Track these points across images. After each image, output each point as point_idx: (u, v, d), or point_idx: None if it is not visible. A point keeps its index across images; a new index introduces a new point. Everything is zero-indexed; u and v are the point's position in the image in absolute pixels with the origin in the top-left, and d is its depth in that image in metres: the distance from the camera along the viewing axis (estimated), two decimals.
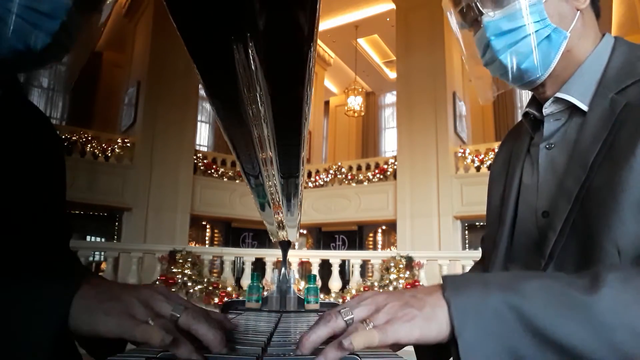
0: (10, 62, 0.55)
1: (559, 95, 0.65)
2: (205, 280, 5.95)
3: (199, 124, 10.53)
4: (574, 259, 0.57)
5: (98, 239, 8.69)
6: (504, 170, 0.76)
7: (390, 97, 15.03)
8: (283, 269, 1.39)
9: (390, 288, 5.68)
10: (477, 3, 0.64)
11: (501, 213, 0.73)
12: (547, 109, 0.67)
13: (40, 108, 0.71)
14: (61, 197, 0.73)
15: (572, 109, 0.65)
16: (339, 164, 10.48)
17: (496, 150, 0.84)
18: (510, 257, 0.71)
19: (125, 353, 0.48)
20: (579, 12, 0.64)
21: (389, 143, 14.64)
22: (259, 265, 6.50)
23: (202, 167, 9.37)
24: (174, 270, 5.84)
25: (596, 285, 0.41)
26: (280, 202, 0.97)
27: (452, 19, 0.72)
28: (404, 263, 5.85)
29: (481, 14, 0.64)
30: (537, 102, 0.71)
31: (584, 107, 0.62)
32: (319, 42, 3.01)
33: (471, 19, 0.68)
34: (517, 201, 0.70)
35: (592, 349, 0.39)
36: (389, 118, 15.19)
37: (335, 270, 6.07)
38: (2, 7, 0.51)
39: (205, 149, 11.14)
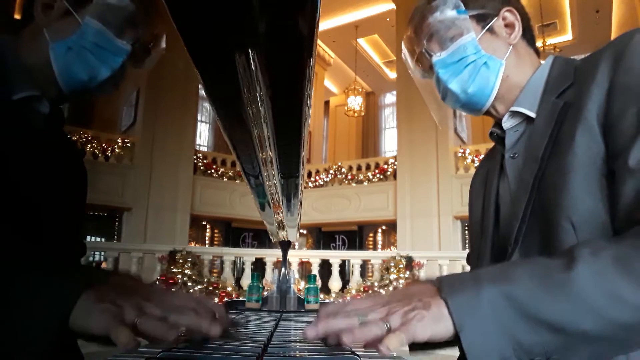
0: (76, 91, 0.68)
1: (513, 109, 0.74)
2: (205, 280, 5.95)
3: (199, 124, 10.53)
4: (536, 241, 0.64)
5: (98, 239, 8.68)
6: (482, 188, 0.83)
7: (390, 97, 15.03)
8: (283, 269, 1.40)
9: (390, 288, 5.67)
10: (426, 50, 0.77)
11: (483, 225, 0.79)
12: (506, 123, 0.76)
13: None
14: (82, 203, 0.83)
15: (527, 120, 0.73)
16: (339, 164, 10.48)
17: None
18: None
19: (126, 353, 0.48)
20: (511, 46, 0.75)
21: (389, 143, 14.64)
22: (259, 265, 6.50)
23: (202, 167, 9.37)
24: (174, 270, 5.85)
25: (571, 263, 0.46)
26: (280, 202, 0.98)
27: (415, 74, 0.83)
28: (404, 263, 5.85)
29: (431, 56, 0.76)
30: (498, 123, 0.80)
31: (533, 115, 0.71)
32: (319, 42, 3.01)
33: (427, 66, 0.79)
34: (497, 211, 0.77)
35: (579, 321, 0.44)
36: (389, 118, 15.19)
37: (335, 270, 6.07)
38: (78, 45, 0.64)
39: (205, 149, 11.14)
